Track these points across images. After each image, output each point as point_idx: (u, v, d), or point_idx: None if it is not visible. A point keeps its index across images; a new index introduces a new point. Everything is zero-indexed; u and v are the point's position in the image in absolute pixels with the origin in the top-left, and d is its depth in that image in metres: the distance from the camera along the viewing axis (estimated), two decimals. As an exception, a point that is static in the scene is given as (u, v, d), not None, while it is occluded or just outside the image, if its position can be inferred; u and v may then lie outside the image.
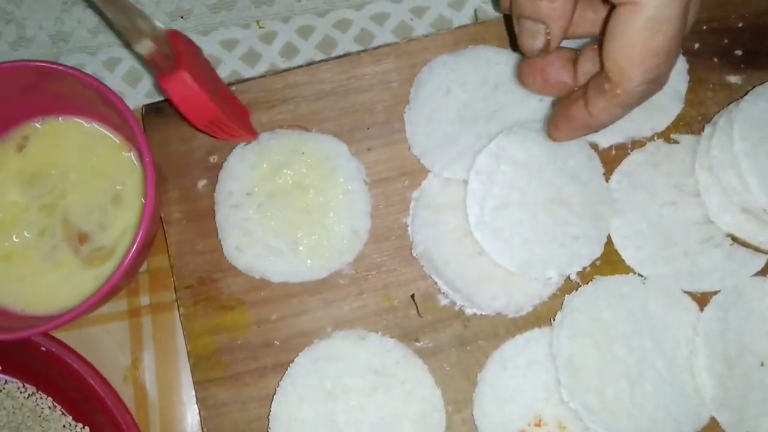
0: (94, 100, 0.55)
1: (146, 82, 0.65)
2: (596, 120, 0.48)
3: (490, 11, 0.66)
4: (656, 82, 0.45)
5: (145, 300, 0.60)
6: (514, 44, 0.56)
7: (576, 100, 0.49)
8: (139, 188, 0.57)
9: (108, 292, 0.50)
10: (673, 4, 0.42)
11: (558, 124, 0.52)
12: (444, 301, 0.57)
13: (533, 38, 0.48)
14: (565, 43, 0.50)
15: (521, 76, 0.54)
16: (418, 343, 0.57)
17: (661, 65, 0.44)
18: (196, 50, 0.55)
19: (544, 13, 0.46)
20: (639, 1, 0.42)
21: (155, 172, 0.52)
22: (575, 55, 0.51)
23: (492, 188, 0.56)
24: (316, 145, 0.59)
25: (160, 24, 0.52)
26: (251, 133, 0.59)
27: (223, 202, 0.58)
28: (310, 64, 0.63)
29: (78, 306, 0.50)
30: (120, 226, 0.57)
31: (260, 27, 0.66)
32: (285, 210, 0.58)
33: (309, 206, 0.58)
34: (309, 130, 0.60)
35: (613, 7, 0.44)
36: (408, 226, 0.59)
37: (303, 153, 0.58)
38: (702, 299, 0.56)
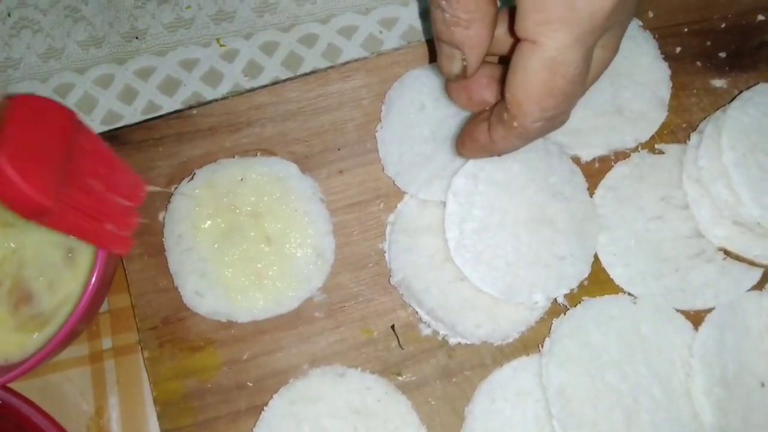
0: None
1: (101, 109, 0.62)
2: (496, 146, 0.47)
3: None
4: (554, 120, 0.44)
5: (107, 342, 0.56)
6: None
7: (482, 121, 0.47)
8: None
9: (34, 363, 0.47)
10: (574, 47, 0.40)
11: (464, 141, 0.50)
12: (426, 331, 0.54)
13: (450, 62, 0.46)
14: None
15: (448, 92, 0.51)
16: (400, 377, 0.53)
17: (559, 105, 0.42)
18: (61, 121, 0.45)
19: (458, 40, 0.44)
20: (539, 41, 0.40)
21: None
22: (501, 73, 0.49)
23: (471, 210, 0.53)
24: (263, 169, 0.55)
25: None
26: (122, 245, 0.49)
27: (175, 247, 0.54)
28: (275, 83, 0.59)
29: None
30: (65, 290, 0.52)
31: (221, 45, 0.63)
32: (242, 244, 0.54)
33: (267, 235, 0.54)
34: (275, 153, 0.57)
35: (518, 41, 0.41)
36: (385, 252, 0.55)
37: (242, 180, 0.55)
38: (696, 317, 0.53)
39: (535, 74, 0.40)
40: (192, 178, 0.55)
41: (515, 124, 0.44)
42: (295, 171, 0.56)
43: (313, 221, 0.55)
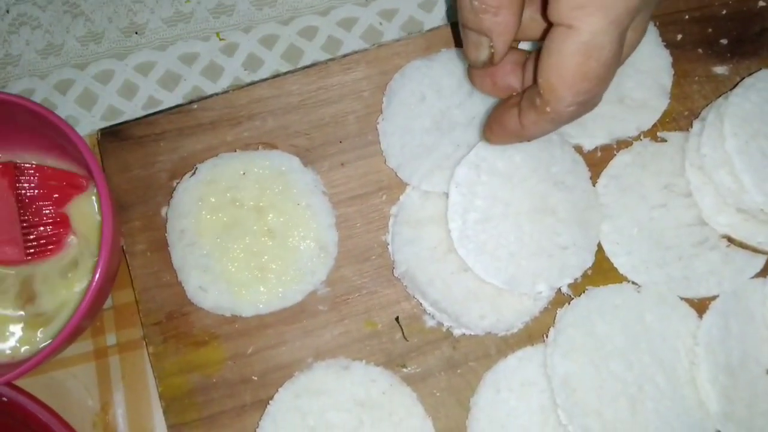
0: (48, 132, 0.51)
1: (102, 104, 0.61)
2: (526, 131, 0.47)
3: (462, 11, 0.62)
4: (587, 105, 0.44)
5: (111, 339, 0.56)
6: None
7: (511, 107, 0.47)
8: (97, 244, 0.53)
9: (39, 360, 0.47)
10: (609, 30, 0.40)
11: (492, 127, 0.50)
12: (430, 323, 0.54)
13: (477, 50, 0.46)
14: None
15: (471, 79, 0.51)
16: (405, 369, 0.53)
17: (592, 89, 0.42)
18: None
19: (487, 27, 0.44)
20: (574, 25, 0.40)
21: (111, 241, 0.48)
22: (525, 58, 0.49)
23: (474, 200, 0.53)
24: (265, 162, 0.55)
25: None
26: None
27: (177, 242, 0.54)
28: (275, 76, 0.59)
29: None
30: (69, 287, 0.52)
31: (220, 39, 0.62)
32: (245, 238, 0.54)
33: (270, 229, 0.54)
34: (276, 147, 0.57)
35: (551, 25, 0.41)
36: (388, 244, 0.55)
37: (244, 174, 0.55)
38: (700, 305, 0.53)
39: (570, 58, 0.40)
40: (194, 173, 0.55)
41: (548, 109, 0.43)
42: (297, 164, 0.55)
43: (316, 214, 0.54)
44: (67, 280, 0.53)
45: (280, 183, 0.55)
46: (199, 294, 0.53)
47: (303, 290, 0.54)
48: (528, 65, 0.48)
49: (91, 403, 0.55)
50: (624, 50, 0.43)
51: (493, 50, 0.45)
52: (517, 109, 0.46)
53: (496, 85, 0.50)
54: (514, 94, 0.49)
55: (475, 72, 0.50)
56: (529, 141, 0.49)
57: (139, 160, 0.57)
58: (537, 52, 0.45)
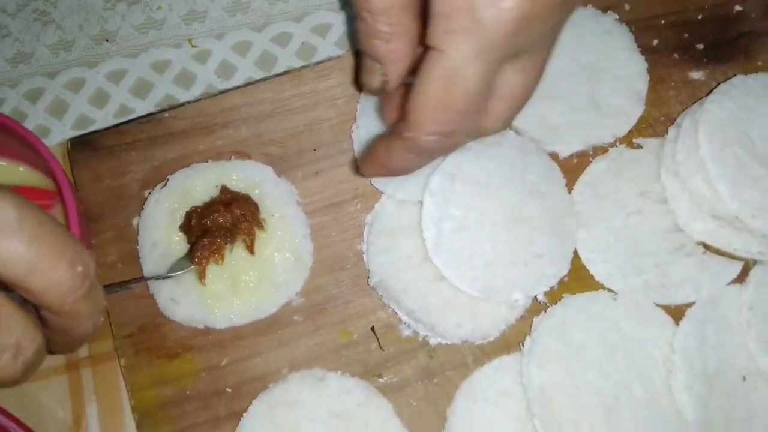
0: (14, 143, 0.50)
1: (73, 113, 0.60)
2: (390, 161, 0.45)
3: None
4: (449, 138, 0.42)
5: (83, 351, 0.55)
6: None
7: (383, 137, 0.46)
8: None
9: None
10: (475, 61, 0.38)
11: (364, 157, 0.48)
12: (407, 332, 0.54)
13: (370, 76, 0.45)
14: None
15: (381, 111, 0.50)
16: (381, 379, 0.53)
17: (452, 121, 0.40)
18: None
19: (380, 53, 0.43)
20: (444, 50, 0.38)
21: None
22: None
23: (448, 209, 0.52)
24: (238, 174, 0.55)
25: None
26: None
27: (149, 255, 0.54)
28: (248, 83, 0.58)
29: None
30: None
31: (193, 46, 0.62)
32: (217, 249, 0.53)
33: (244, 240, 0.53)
34: (250, 156, 0.56)
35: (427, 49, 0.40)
36: (363, 253, 0.55)
37: (217, 186, 0.54)
38: (677, 312, 0.53)
39: (434, 83, 0.39)
40: (165, 184, 0.54)
41: (409, 134, 0.42)
42: (270, 174, 0.55)
43: (290, 225, 0.54)
44: None
45: (255, 194, 0.54)
46: (170, 306, 0.52)
47: (277, 302, 0.53)
48: None
49: (63, 416, 0.54)
50: (512, 92, 0.42)
51: (385, 77, 0.44)
52: (387, 138, 0.45)
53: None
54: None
55: (384, 104, 0.49)
56: (393, 175, 0.47)
57: (110, 170, 0.56)
58: None
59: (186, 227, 0.53)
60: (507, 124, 0.44)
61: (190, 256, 0.52)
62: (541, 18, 0.38)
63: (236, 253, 0.53)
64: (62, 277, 0.33)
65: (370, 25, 0.41)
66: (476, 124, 0.43)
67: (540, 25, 0.38)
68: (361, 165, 0.50)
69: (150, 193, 0.55)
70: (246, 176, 0.54)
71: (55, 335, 0.36)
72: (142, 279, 0.52)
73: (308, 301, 0.54)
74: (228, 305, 0.52)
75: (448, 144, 0.43)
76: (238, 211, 0.52)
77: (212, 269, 0.53)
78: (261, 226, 0.53)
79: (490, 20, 0.37)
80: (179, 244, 0.54)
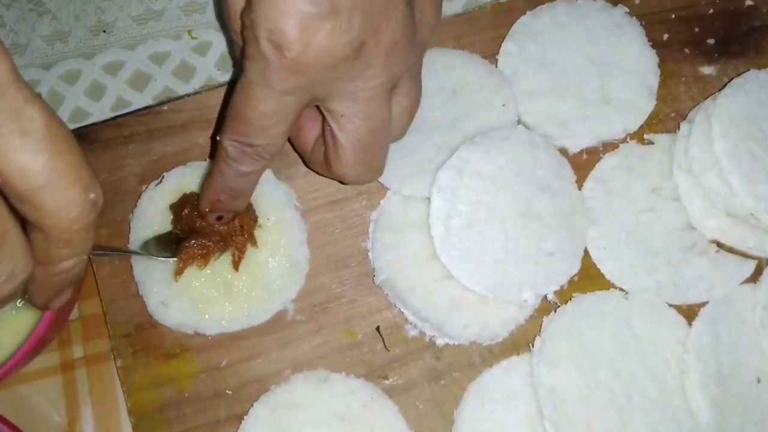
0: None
1: (68, 105, 0.59)
2: (215, 182, 0.47)
3: (444, 9, 0.60)
4: (247, 149, 0.43)
5: (78, 351, 0.53)
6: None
7: None
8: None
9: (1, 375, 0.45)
10: (266, 85, 0.40)
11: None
12: (413, 332, 0.52)
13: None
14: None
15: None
16: (386, 381, 0.51)
17: (244, 134, 0.43)
18: None
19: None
20: (244, 68, 0.41)
21: None
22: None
23: (457, 205, 0.51)
24: None
25: None
26: None
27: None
28: (249, 76, 0.57)
29: None
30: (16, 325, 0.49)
31: (192, 37, 0.60)
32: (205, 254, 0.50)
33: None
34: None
35: None
36: (368, 251, 0.53)
37: None
38: (689, 312, 0.52)
39: (235, 95, 0.42)
40: (160, 181, 0.53)
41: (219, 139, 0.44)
42: (269, 176, 0.53)
43: (287, 229, 0.52)
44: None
45: (252, 196, 0.52)
46: (160, 309, 0.51)
47: (271, 309, 0.51)
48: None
49: (58, 418, 0.53)
50: (302, 142, 0.46)
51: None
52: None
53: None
54: None
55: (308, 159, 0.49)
56: (229, 203, 0.47)
57: (106, 164, 0.55)
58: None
59: (177, 211, 0.51)
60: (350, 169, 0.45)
61: (176, 247, 0.50)
62: (323, 66, 0.39)
63: (229, 257, 0.51)
64: (75, 199, 0.32)
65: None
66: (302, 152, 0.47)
67: (326, 72, 0.39)
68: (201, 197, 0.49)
69: (144, 191, 0.53)
70: None
71: (34, 270, 0.34)
72: (124, 252, 0.51)
73: (311, 300, 0.53)
74: (219, 311, 0.51)
75: (247, 157, 0.44)
76: (236, 222, 0.50)
77: (205, 273, 0.51)
78: (254, 243, 0.51)
79: (269, 58, 0.39)
80: (172, 244, 0.51)
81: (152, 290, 0.51)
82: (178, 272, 0.50)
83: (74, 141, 0.32)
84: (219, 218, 0.49)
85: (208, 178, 0.47)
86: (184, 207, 0.50)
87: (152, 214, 0.52)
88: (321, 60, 0.39)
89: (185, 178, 0.53)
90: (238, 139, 0.43)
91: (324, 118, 0.44)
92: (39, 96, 0.31)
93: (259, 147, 0.43)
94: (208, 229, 0.50)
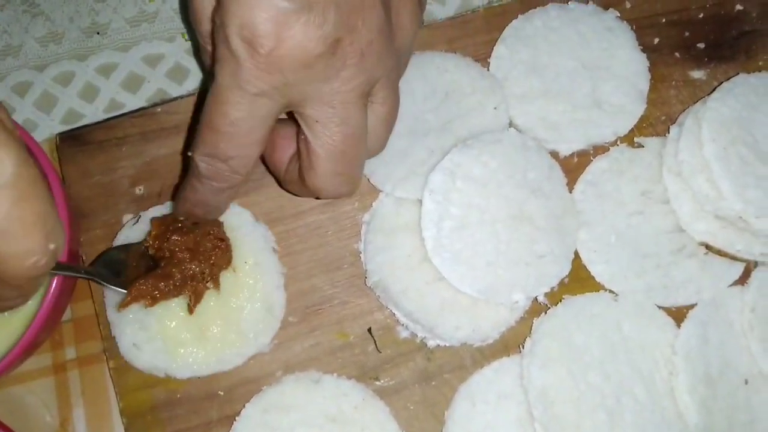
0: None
1: (62, 107, 0.59)
2: (188, 196, 0.47)
3: (436, 13, 0.61)
4: (218, 163, 0.42)
5: (71, 352, 0.53)
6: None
7: None
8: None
9: None
10: (237, 90, 0.39)
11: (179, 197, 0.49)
12: (404, 334, 0.53)
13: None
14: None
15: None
16: (378, 382, 0.52)
17: (212, 144, 0.41)
18: None
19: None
20: (215, 74, 0.39)
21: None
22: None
23: (449, 208, 0.51)
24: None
25: None
26: None
27: (114, 294, 0.50)
28: (243, 78, 0.57)
29: None
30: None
31: (186, 39, 0.60)
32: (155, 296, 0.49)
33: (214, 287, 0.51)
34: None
35: None
36: (360, 252, 0.54)
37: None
38: (678, 314, 0.52)
39: (206, 104, 0.41)
40: (137, 220, 0.52)
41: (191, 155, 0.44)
42: (248, 219, 0.52)
43: (264, 273, 0.52)
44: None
45: (231, 238, 0.51)
46: (132, 351, 0.50)
47: (244, 354, 0.51)
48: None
49: (50, 419, 0.53)
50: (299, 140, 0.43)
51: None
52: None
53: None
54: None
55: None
56: (201, 213, 0.48)
57: (100, 166, 0.55)
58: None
59: (157, 229, 0.49)
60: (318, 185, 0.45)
61: (136, 265, 0.50)
62: (297, 63, 0.38)
63: (205, 301, 0.50)
64: (33, 248, 0.32)
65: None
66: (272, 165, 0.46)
67: (300, 70, 0.38)
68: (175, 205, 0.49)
69: (121, 230, 0.53)
70: (223, 220, 0.51)
71: None
72: (78, 274, 0.49)
73: (303, 303, 0.53)
74: (192, 354, 0.50)
75: (220, 174, 0.43)
76: (205, 266, 0.49)
77: (179, 315, 0.50)
78: (217, 286, 0.50)
79: (241, 57, 0.38)
80: None
81: (124, 332, 0.50)
82: (123, 305, 0.48)
83: (43, 186, 0.32)
84: (195, 223, 0.49)
85: (182, 190, 0.46)
86: (166, 231, 0.49)
87: None
88: (295, 56, 0.38)
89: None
90: (211, 153, 0.41)
91: (298, 128, 0.43)
92: (13, 133, 0.31)
93: (232, 160, 0.41)
94: (176, 267, 0.48)
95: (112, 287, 0.49)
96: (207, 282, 0.49)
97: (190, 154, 0.43)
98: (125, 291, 0.48)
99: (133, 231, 0.52)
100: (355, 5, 0.38)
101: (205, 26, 0.42)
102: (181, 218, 0.49)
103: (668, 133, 0.55)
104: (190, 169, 0.43)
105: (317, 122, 0.41)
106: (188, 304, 0.49)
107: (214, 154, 0.41)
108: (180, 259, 0.48)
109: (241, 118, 0.39)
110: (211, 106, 0.40)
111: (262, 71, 0.38)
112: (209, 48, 0.41)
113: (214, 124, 0.40)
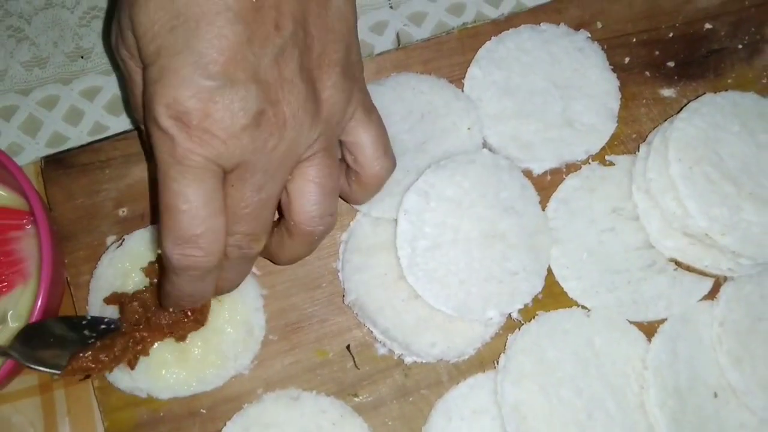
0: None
1: (47, 130, 0.60)
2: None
3: (413, 35, 0.62)
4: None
5: (56, 372, 0.54)
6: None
7: None
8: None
9: None
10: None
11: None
12: (382, 351, 0.54)
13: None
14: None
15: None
16: (356, 398, 0.53)
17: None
18: None
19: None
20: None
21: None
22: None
23: (423, 227, 0.52)
24: None
25: None
26: None
27: (99, 314, 0.52)
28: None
29: None
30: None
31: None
32: (166, 316, 0.50)
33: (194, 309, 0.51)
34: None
35: None
36: (339, 271, 0.55)
37: None
38: (649, 329, 0.53)
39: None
40: (121, 243, 0.53)
41: None
42: None
43: (244, 296, 0.52)
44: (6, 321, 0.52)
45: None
46: (115, 373, 0.51)
47: (224, 375, 0.51)
48: None
49: (36, 439, 0.54)
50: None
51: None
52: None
53: None
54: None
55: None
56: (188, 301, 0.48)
57: (83, 189, 0.56)
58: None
59: (123, 305, 0.51)
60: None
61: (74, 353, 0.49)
62: (225, 135, 0.39)
63: (184, 321, 0.51)
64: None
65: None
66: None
67: (229, 141, 0.40)
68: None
69: (108, 249, 0.54)
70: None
71: None
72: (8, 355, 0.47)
73: (283, 321, 0.54)
74: (173, 375, 0.51)
75: (195, 261, 0.42)
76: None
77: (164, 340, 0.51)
78: (204, 323, 0.51)
79: (174, 134, 0.39)
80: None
81: None
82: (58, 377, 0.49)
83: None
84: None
85: (162, 287, 0.46)
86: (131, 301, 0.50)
87: (110, 278, 0.53)
88: (223, 128, 0.39)
89: (145, 242, 0.53)
90: (177, 236, 0.41)
91: None
92: None
93: (201, 238, 0.41)
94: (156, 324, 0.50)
95: (42, 369, 0.48)
96: (192, 318, 0.50)
97: (159, 252, 0.42)
98: (58, 373, 0.48)
99: (117, 254, 0.53)
100: (276, 80, 0.40)
101: (140, 114, 0.43)
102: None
103: (638, 151, 0.56)
104: (165, 266, 0.43)
105: (260, 188, 0.42)
106: (128, 361, 0.50)
107: (182, 237, 0.41)
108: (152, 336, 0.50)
109: (193, 192, 0.40)
110: (163, 191, 0.40)
111: (195, 144, 0.39)
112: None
113: (172, 205, 0.40)
